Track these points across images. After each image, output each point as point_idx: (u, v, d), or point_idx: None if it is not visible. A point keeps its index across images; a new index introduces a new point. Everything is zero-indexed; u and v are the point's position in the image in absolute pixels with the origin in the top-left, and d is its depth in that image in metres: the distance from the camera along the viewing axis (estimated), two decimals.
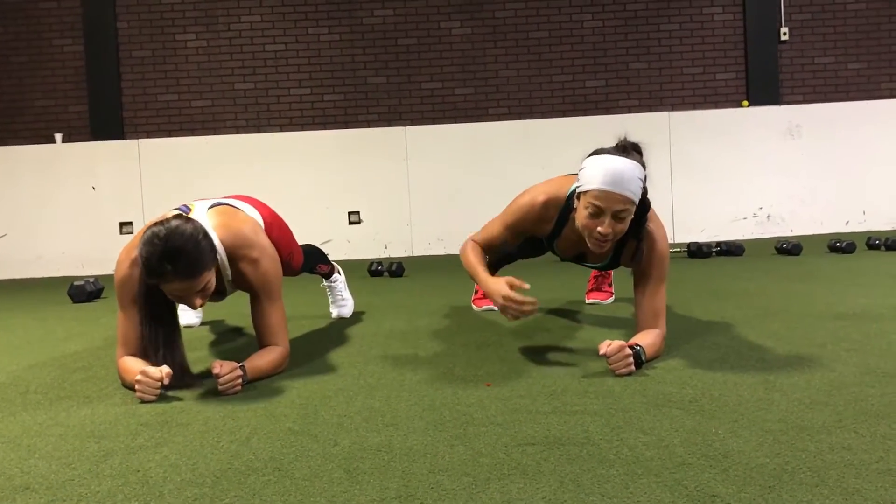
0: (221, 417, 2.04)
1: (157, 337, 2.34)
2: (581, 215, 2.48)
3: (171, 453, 1.77)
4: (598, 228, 2.43)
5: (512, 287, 2.50)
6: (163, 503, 1.47)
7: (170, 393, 2.30)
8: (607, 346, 2.30)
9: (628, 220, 2.45)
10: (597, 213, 2.42)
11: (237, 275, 2.51)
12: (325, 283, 3.74)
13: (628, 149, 2.49)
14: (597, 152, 2.49)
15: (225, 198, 2.85)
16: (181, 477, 1.61)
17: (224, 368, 2.26)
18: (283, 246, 2.91)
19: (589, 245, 2.52)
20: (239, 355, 2.66)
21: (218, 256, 2.41)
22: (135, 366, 2.33)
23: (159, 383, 2.23)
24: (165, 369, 2.24)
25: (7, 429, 2.04)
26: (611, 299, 3.78)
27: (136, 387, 2.22)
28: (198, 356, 2.90)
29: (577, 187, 2.50)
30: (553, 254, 2.93)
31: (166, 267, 2.17)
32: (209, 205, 2.64)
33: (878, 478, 1.44)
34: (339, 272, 3.73)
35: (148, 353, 2.35)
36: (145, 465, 1.69)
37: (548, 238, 2.81)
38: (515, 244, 2.89)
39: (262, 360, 2.46)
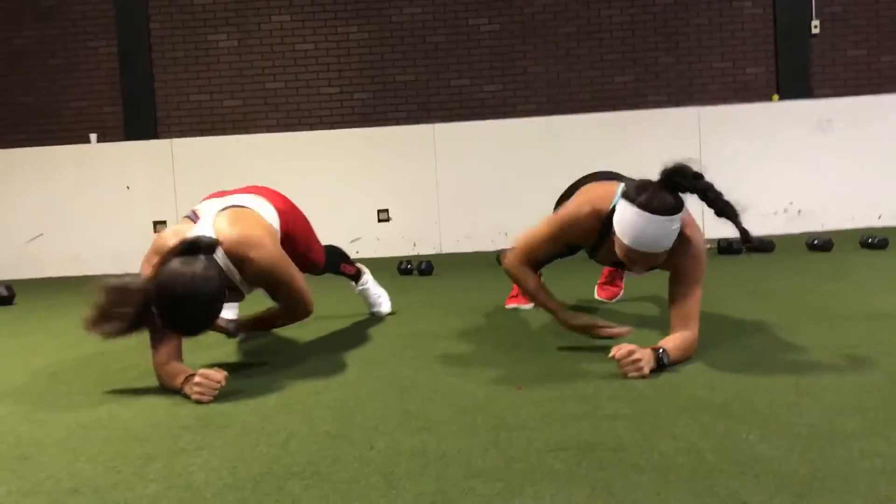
0: (258, 421, 2.10)
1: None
2: (618, 248, 2.51)
3: (212, 457, 1.82)
4: (633, 269, 2.59)
5: (595, 328, 2.73)
6: None
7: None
8: (617, 349, 2.36)
9: (663, 256, 2.50)
10: (631, 261, 2.51)
11: (247, 276, 2.57)
12: (358, 288, 3.74)
13: (665, 186, 2.42)
14: (639, 190, 2.43)
15: (240, 191, 2.88)
16: (223, 481, 1.66)
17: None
18: (299, 236, 2.96)
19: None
20: (264, 354, 2.70)
21: (222, 265, 2.46)
22: (178, 370, 2.41)
23: (219, 384, 2.31)
24: (223, 372, 2.34)
25: (54, 431, 2.10)
26: (619, 295, 3.88)
27: (195, 388, 2.31)
28: (226, 351, 2.97)
29: (614, 220, 2.50)
30: (593, 260, 2.95)
31: (175, 328, 2.36)
32: (219, 208, 2.66)
33: None
34: (364, 271, 3.73)
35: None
36: (188, 469, 1.74)
37: (590, 249, 2.82)
38: (558, 253, 2.88)
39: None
